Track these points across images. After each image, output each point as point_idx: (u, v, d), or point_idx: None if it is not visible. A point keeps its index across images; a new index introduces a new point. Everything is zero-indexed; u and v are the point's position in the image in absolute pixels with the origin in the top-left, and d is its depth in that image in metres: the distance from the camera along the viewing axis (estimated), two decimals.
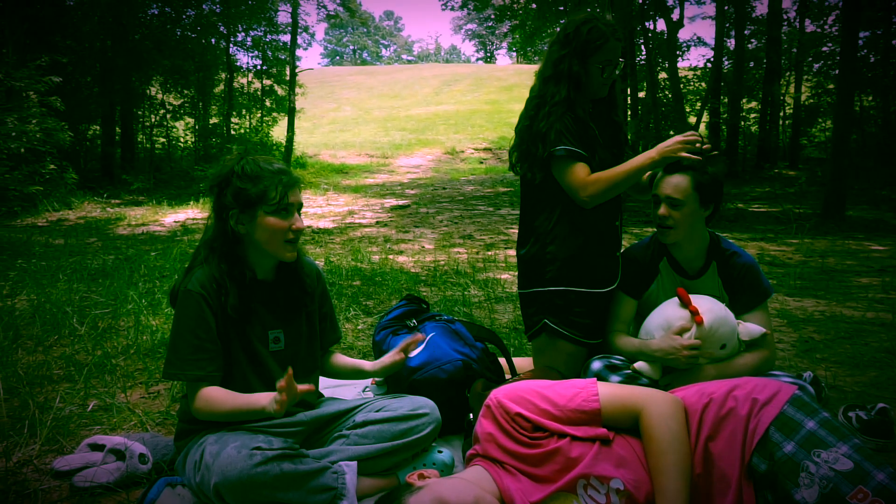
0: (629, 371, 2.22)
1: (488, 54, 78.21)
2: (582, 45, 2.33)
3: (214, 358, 1.87)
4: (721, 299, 2.32)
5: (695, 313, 2.12)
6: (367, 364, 2.23)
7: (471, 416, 2.17)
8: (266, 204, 1.87)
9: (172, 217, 10.26)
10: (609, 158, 2.40)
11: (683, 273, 2.38)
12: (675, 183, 2.25)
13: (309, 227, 9.21)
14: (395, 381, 2.51)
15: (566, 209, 2.39)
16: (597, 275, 2.43)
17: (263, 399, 1.79)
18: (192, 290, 1.85)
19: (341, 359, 2.27)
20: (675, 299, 2.22)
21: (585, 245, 2.40)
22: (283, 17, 19.25)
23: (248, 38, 19.11)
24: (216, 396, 1.84)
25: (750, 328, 2.21)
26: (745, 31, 17.63)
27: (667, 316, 2.21)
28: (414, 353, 2.47)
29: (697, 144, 2.16)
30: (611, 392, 1.72)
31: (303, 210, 1.98)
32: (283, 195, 1.88)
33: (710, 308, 2.16)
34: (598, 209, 2.36)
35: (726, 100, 16.94)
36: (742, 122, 17.48)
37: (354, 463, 1.88)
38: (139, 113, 16.92)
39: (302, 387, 1.74)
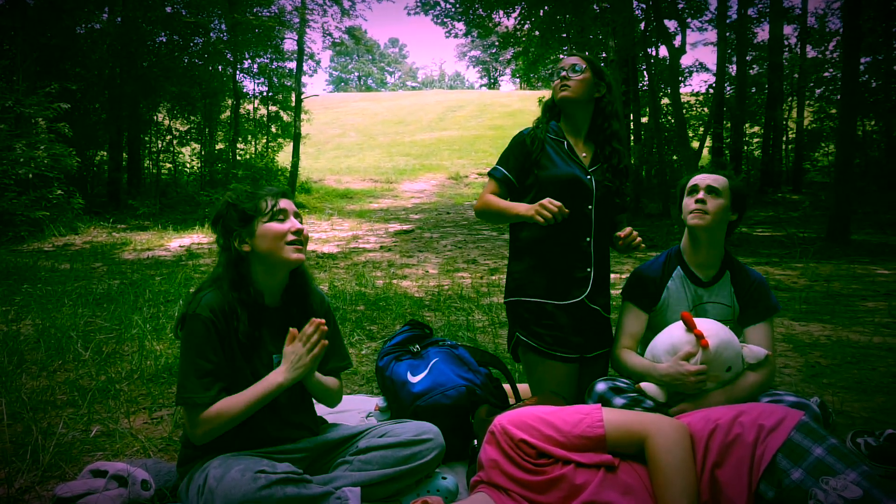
0: (634, 394, 2.21)
1: (492, 81, 79.03)
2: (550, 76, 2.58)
3: (224, 378, 1.89)
4: (733, 309, 2.36)
5: (700, 337, 2.12)
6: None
7: (475, 442, 2.16)
8: (261, 214, 1.96)
9: (178, 242, 10.30)
10: (563, 168, 2.49)
11: (698, 281, 2.40)
12: (716, 177, 2.39)
13: (313, 251, 9.24)
14: (398, 407, 2.50)
15: (524, 226, 2.49)
16: (556, 287, 2.46)
17: (276, 376, 1.90)
18: (201, 314, 1.87)
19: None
20: (681, 322, 2.22)
21: (541, 260, 2.47)
22: (290, 44, 19.47)
23: (255, 66, 19.32)
24: (223, 405, 1.85)
25: (754, 351, 2.22)
26: (747, 57, 17.80)
27: (673, 340, 2.21)
28: (416, 379, 2.47)
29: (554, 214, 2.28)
30: (616, 418, 1.71)
31: (306, 229, 2.03)
32: (275, 203, 1.98)
33: (714, 332, 2.16)
34: (563, 225, 2.38)
35: (729, 125, 17.03)
36: (745, 147, 17.55)
37: (358, 489, 1.86)
38: (146, 139, 17.10)
39: (315, 321, 1.93)
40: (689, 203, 2.39)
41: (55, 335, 3.99)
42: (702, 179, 2.39)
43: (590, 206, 2.49)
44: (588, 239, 2.49)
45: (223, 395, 1.88)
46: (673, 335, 2.23)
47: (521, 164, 2.51)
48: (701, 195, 2.36)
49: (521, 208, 2.37)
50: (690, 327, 2.16)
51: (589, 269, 2.50)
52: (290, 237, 1.97)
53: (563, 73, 2.52)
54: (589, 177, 2.49)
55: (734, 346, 2.18)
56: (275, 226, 1.96)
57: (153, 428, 2.69)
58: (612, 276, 2.68)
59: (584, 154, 2.55)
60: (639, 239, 2.48)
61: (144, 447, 2.47)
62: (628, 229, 2.51)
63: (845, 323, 4.73)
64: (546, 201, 2.27)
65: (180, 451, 1.99)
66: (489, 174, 2.57)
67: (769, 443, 1.61)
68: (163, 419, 2.79)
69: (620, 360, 2.38)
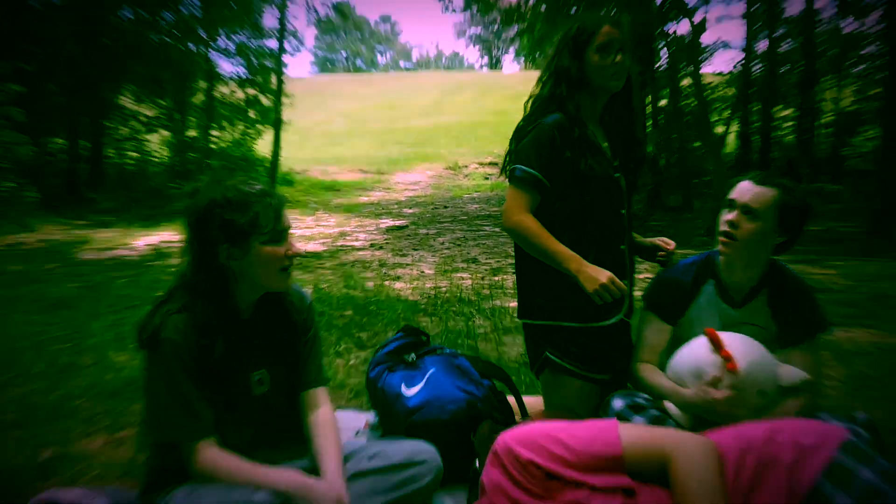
0: (656, 412, 2.18)
1: (494, 60, 79.27)
2: (573, 40, 2.38)
3: (207, 406, 1.83)
4: (767, 331, 2.28)
5: (727, 360, 2.07)
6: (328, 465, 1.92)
7: (477, 463, 2.13)
8: (259, 233, 1.86)
9: (144, 240, 10.30)
10: (597, 166, 2.37)
11: (729, 300, 2.32)
12: (759, 192, 2.18)
13: None
14: (391, 423, 2.48)
15: (557, 234, 2.34)
16: (594, 308, 2.37)
17: (305, 479, 1.78)
18: (173, 338, 1.80)
19: (318, 434, 2.02)
20: (705, 339, 2.16)
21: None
22: (270, 20, 19.56)
23: (231, 44, 19.37)
24: (224, 465, 1.80)
25: (789, 372, 2.14)
26: (777, 33, 17.80)
27: (697, 361, 2.15)
28: (412, 392, 2.44)
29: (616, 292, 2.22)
30: (635, 435, 1.68)
31: (290, 232, 1.97)
32: (276, 220, 1.88)
33: (744, 351, 2.10)
34: (598, 232, 2.36)
35: (758, 107, 17.05)
36: (775, 132, 17.56)
37: None
38: (109, 125, 17.09)
39: None
40: (721, 220, 2.26)
41: (3, 346, 3.97)
42: (742, 193, 2.21)
43: (623, 210, 2.45)
44: (622, 246, 2.45)
45: (212, 426, 1.83)
46: (698, 355, 2.16)
47: (551, 162, 2.32)
48: (733, 216, 2.22)
49: (573, 265, 2.25)
50: (717, 347, 2.11)
51: (625, 281, 2.43)
52: (285, 263, 1.91)
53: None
54: (618, 175, 2.43)
55: (768, 366, 2.11)
56: (273, 250, 1.88)
57: (113, 450, 2.67)
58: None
59: (605, 144, 2.46)
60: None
61: (103, 472, 2.44)
62: (669, 243, 2.48)
63: (894, 328, 4.71)
64: (608, 280, 2.19)
65: (144, 477, 1.95)
66: (517, 179, 2.34)
67: (810, 464, 1.59)
68: (124, 441, 2.76)
69: (640, 376, 2.34)
